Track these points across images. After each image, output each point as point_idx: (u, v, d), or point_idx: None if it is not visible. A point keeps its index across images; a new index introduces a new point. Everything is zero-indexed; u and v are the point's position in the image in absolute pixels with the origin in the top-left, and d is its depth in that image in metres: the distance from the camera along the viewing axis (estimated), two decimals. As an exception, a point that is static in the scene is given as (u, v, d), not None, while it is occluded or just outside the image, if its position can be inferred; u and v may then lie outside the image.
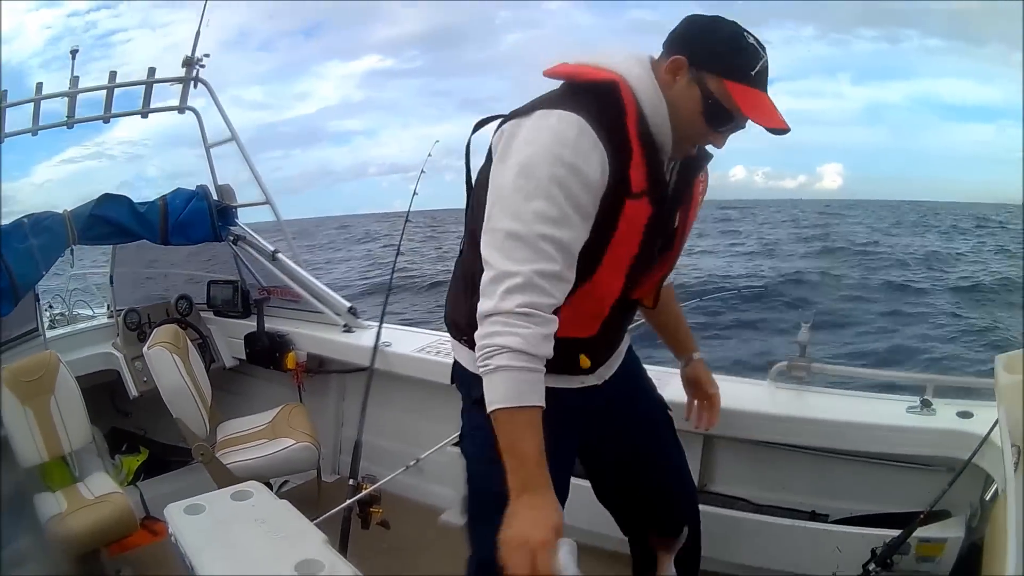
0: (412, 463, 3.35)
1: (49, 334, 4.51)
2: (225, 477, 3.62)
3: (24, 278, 3.79)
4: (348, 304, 4.59)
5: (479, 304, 1.76)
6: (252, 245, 4.77)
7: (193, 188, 4.70)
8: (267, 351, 4.61)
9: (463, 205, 2.10)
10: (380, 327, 4.11)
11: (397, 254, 4.44)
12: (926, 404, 2.93)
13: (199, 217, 4.58)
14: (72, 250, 4.13)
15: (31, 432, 3.56)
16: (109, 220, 4.21)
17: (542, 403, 1.76)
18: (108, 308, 5.10)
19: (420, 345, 4.17)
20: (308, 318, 4.73)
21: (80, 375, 3.89)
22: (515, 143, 1.80)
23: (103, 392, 4.95)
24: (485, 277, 1.77)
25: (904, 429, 2.85)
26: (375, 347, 3.98)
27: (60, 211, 4.06)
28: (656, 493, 2.42)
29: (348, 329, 4.54)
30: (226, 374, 4.90)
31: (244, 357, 4.80)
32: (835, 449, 2.99)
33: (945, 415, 2.90)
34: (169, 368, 3.72)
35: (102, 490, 3.55)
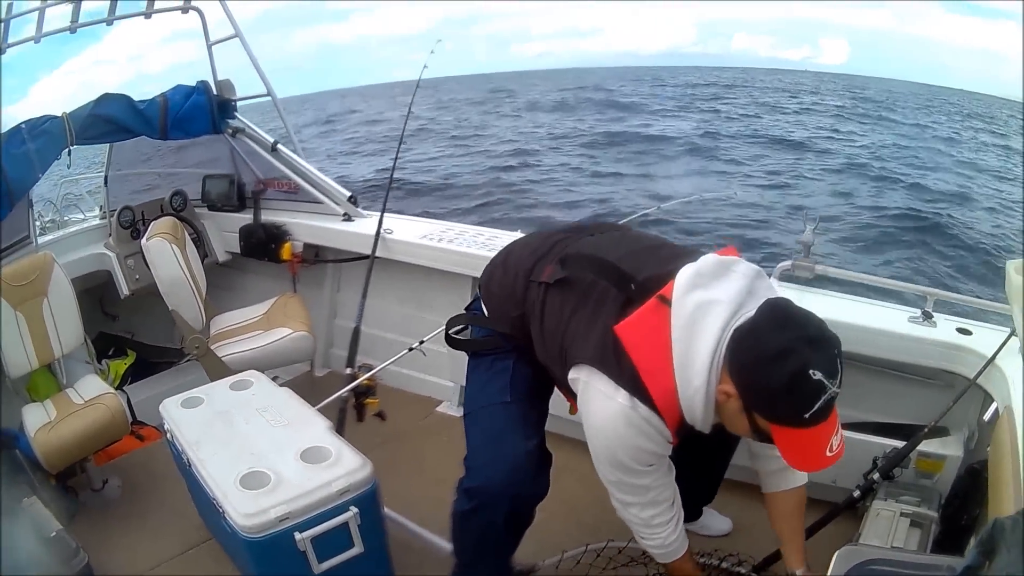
0: (416, 345, 3.31)
1: (40, 240, 4.40)
2: (220, 370, 3.57)
3: (20, 183, 3.70)
4: (348, 193, 4.50)
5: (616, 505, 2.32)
6: (252, 137, 4.66)
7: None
8: (262, 243, 4.56)
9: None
10: (383, 212, 4.06)
11: (400, 143, 4.37)
12: (927, 316, 2.99)
13: (199, 112, 4.49)
14: (69, 151, 4.01)
15: (21, 339, 3.50)
16: (108, 118, 4.11)
17: (683, 552, 2.38)
18: (101, 209, 4.99)
19: (422, 232, 4.11)
20: (306, 208, 4.64)
21: (72, 278, 3.81)
22: (590, 419, 2.13)
23: (91, 297, 4.89)
24: (614, 500, 2.30)
25: (907, 337, 2.88)
26: (378, 232, 3.93)
27: (58, 114, 3.93)
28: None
29: (348, 218, 4.46)
30: (219, 269, 4.81)
31: (238, 251, 4.72)
32: None
33: (945, 329, 2.92)
34: (168, 259, 3.68)
35: (93, 393, 3.50)
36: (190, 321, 3.77)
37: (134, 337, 5.35)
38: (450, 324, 2.62)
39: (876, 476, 2.72)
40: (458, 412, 4.10)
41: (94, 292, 4.87)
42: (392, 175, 4.24)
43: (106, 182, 4.91)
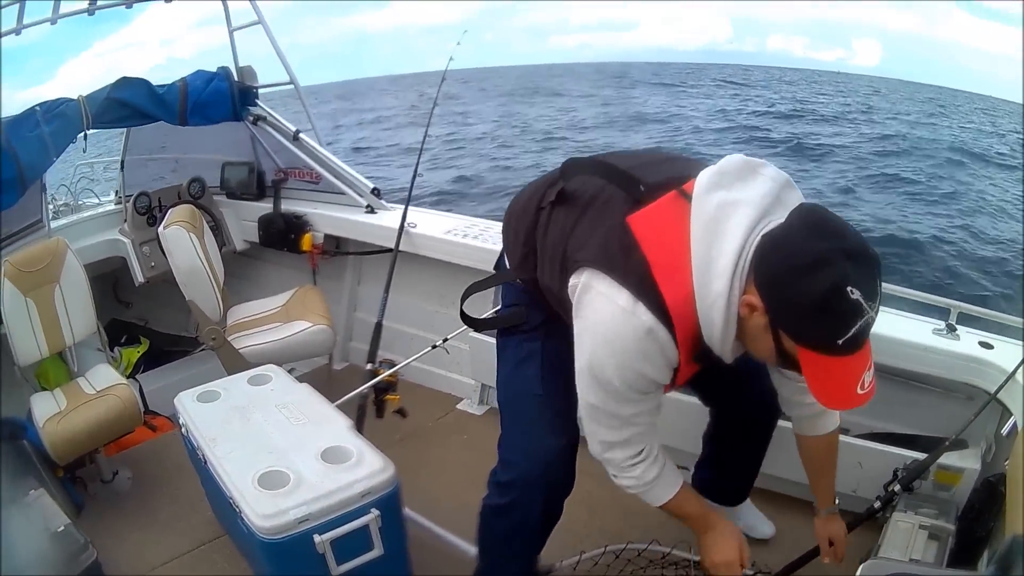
0: (439, 342, 3.24)
1: (53, 224, 4.34)
2: (236, 362, 3.50)
3: (32, 168, 3.65)
4: (372, 185, 4.42)
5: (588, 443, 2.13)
6: (273, 125, 4.61)
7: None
8: (282, 233, 4.49)
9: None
10: (407, 205, 3.95)
11: (425, 135, 4.21)
12: (951, 328, 2.94)
13: (219, 97, 4.46)
14: (86, 135, 3.95)
15: (32, 326, 3.41)
16: (126, 103, 4.06)
17: (677, 486, 2.20)
18: (116, 194, 4.92)
19: (446, 227, 4.04)
20: (328, 200, 4.57)
21: (84, 264, 3.73)
22: (581, 323, 1.91)
23: (105, 283, 4.84)
24: (587, 427, 2.10)
25: (931, 349, 2.86)
26: (401, 225, 3.83)
27: (75, 96, 3.88)
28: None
29: (371, 210, 4.39)
30: (237, 258, 4.77)
31: (257, 240, 4.66)
32: None
33: (968, 342, 2.89)
34: (186, 247, 3.61)
35: (105, 383, 3.41)
36: (207, 312, 3.69)
37: (148, 325, 5.30)
38: (468, 292, 2.44)
39: (897, 488, 2.67)
40: (479, 410, 4.08)
41: (107, 278, 4.83)
42: (416, 168, 4.08)
43: (122, 167, 4.85)
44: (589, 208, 1.95)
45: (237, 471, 2.35)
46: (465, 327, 2.90)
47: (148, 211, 4.54)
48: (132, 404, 3.23)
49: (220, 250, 4.34)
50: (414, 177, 4.04)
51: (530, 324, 2.28)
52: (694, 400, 2.80)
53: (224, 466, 2.39)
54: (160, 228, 3.72)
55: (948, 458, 2.80)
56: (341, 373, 4.43)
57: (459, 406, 4.11)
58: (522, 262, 2.19)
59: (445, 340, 3.28)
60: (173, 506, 3.22)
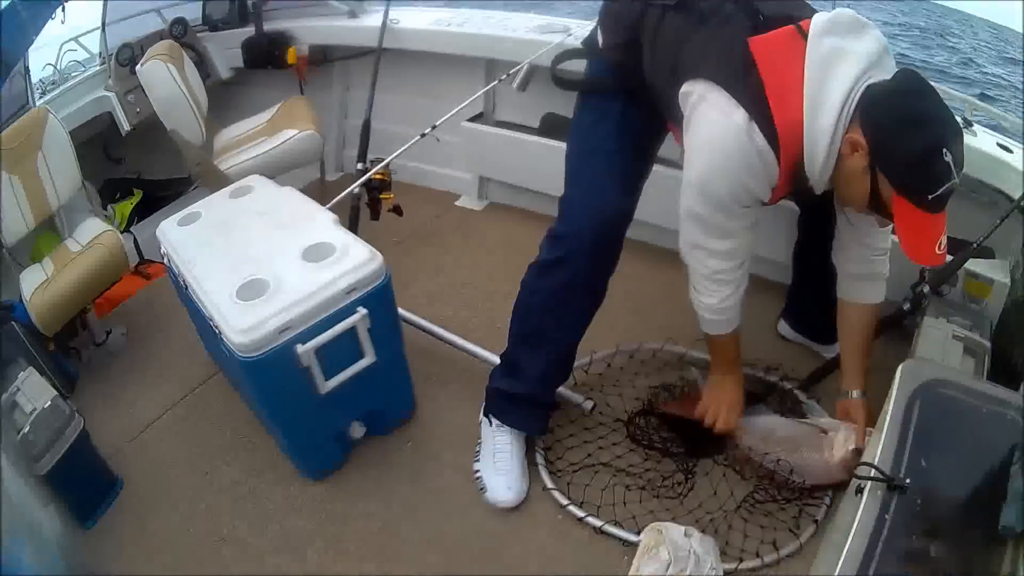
0: (428, 130, 3.06)
1: (40, 102, 4.04)
2: (223, 184, 3.21)
3: (12, 52, 3.32)
4: None
5: (681, 245, 2.17)
6: None
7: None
8: (265, 51, 4.28)
9: None
10: (388, 1, 3.79)
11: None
12: (967, 123, 2.85)
13: None
14: (63, 7, 3.64)
15: (17, 202, 3.17)
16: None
17: (737, 323, 2.29)
18: (100, 55, 4.64)
19: (430, 20, 3.98)
20: (310, 12, 4.33)
21: (73, 128, 3.55)
22: (695, 136, 1.93)
23: (95, 144, 4.65)
24: (686, 238, 2.13)
25: None
26: (384, 22, 3.69)
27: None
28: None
29: (353, 15, 4.17)
30: (224, 89, 4.56)
31: (242, 65, 4.44)
32: None
33: (985, 140, 2.79)
34: (163, 77, 3.42)
35: (91, 235, 3.18)
36: (190, 139, 3.49)
37: (140, 176, 5.12)
38: (558, 59, 2.44)
39: (926, 289, 2.59)
40: (478, 205, 4.01)
41: (97, 140, 4.63)
42: None
43: (103, 28, 4.54)
44: (708, 20, 1.97)
45: (216, 288, 2.11)
46: (453, 113, 3.07)
47: (131, 61, 4.27)
48: (117, 249, 2.99)
49: (205, 82, 4.14)
50: None
51: (614, 88, 2.26)
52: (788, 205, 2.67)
53: (203, 286, 2.15)
54: (138, 68, 3.53)
55: (977, 266, 2.70)
56: (336, 184, 4.26)
57: (458, 203, 4.04)
58: (620, 48, 2.20)
59: (434, 127, 3.10)
60: (166, 352, 3.05)
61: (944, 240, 1.78)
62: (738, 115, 1.81)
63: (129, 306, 3.40)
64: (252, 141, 3.71)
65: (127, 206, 4.60)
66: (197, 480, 2.45)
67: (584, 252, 2.19)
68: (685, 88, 1.93)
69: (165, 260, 2.47)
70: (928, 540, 1.59)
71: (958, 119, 1.83)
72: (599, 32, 2.32)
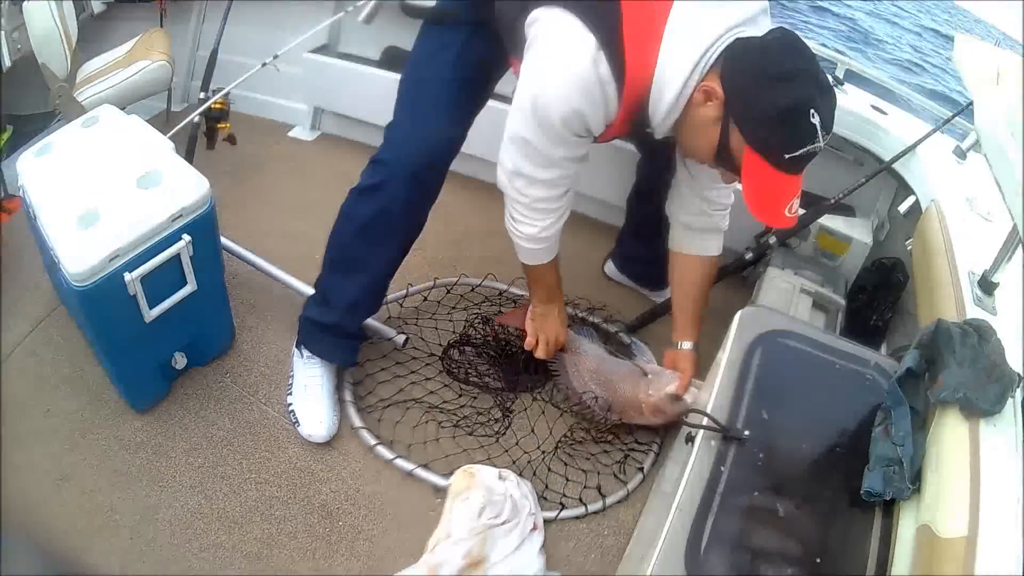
0: (268, 60, 3.16)
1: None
2: (79, 114, 3.33)
3: None
4: None
5: (500, 170, 2.12)
6: None
7: None
8: None
9: None
10: None
11: None
12: (838, 81, 2.91)
13: None
14: None
15: None
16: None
17: (554, 255, 2.31)
18: None
19: None
20: None
21: None
22: (535, 57, 1.87)
23: None
24: (506, 163, 2.07)
25: None
26: None
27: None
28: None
29: None
30: (95, 23, 4.49)
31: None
32: None
33: (857, 99, 2.77)
34: (43, 12, 3.48)
35: None
36: (56, 71, 3.55)
37: (13, 112, 5.10)
38: None
39: (772, 239, 2.61)
40: (310, 135, 4.07)
41: None
42: None
43: None
44: None
45: (58, 219, 2.16)
46: (294, 44, 3.16)
47: None
48: None
49: (80, 16, 4.12)
50: None
51: (461, 20, 2.19)
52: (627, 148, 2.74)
53: (47, 217, 2.21)
54: (24, 3, 3.57)
55: (833, 222, 2.75)
56: (180, 114, 4.19)
57: (290, 134, 4.09)
58: None
59: (275, 57, 3.18)
60: (15, 287, 2.98)
61: (796, 203, 1.76)
62: (587, 40, 1.74)
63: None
64: (109, 72, 3.76)
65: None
66: (39, 418, 2.46)
67: (404, 179, 2.19)
68: (534, 14, 1.85)
69: (20, 192, 2.55)
70: (775, 497, 1.55)
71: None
72: None
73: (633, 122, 1.92)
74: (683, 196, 2.31)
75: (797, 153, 1.63)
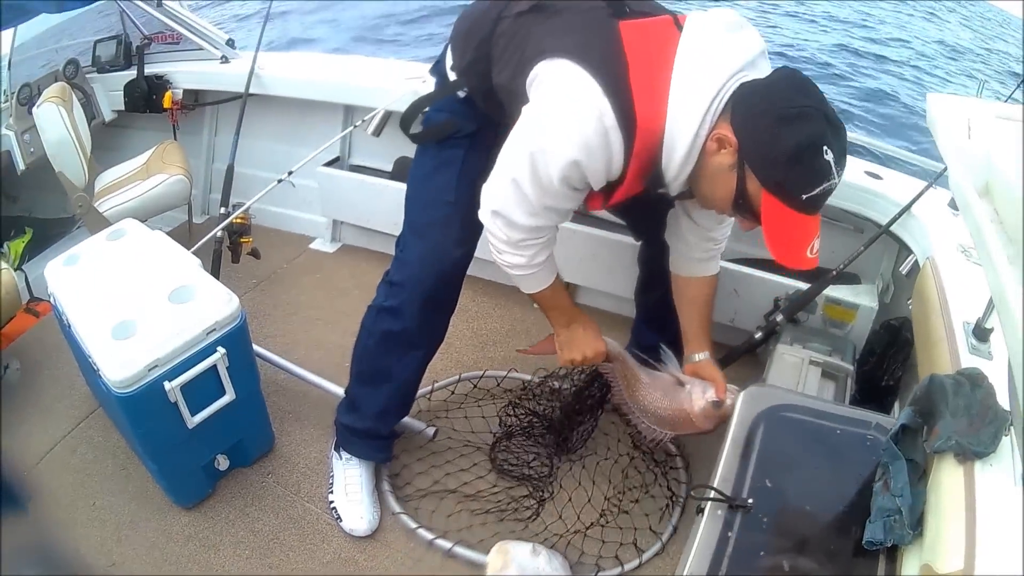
0: (284, 176, 3.18)
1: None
2: (102, 226, 3.44)
3: None
4: (227, 37, 4.32)
5: (484, 204, 1.98)
6: None
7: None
8: (145, 95, 4.38)
9: None
10: (257, 49, 3.92)
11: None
12: None
13: None
14: None
15: None
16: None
17: (555, 274, 2.20)
18: (3, 93, 4.77)
19: (296, 66, 4.14)
20: (187, 57, 4.45)
21: None
22: (536, 102, 1.81)
23: None
24: (491, 201, 1.96)
25: None
26: (251, 69, 3.82)
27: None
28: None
29: (225, 60, 4.28)
30: (107, 131, 4.66)
31: (123, 108, 4.54)
32: None
33: (853, 170, 2.73)
34: (55, 121, 3.60)
35: None
36: (75, 180, 3.67)
37: (32, 215, 5.19)
38: (414, 107, 2.34)
39: (779, 318, 2.60)
40: (331, 248, 4.15)
41: None
42: (268, 11, 4.13)
43: (9, 66, 4.63)
44: (566, 12, 1.86)
45: (93, 329, 2.30)
46: (308, 159, 3.14)
47: (30, 101, 4.35)
48: (12, 288, 3.15)
49: (90, 123, 4.26)
50: (265, 20, 4.05)
51: (460, 133, 2.23)
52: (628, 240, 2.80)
53: (82, 326, 2.35)
54: (34, 109, 3.71)
55: (839, 292, 2.74)
56: (202, 226, 4.38)
57: (311, 246, 4.18)
58: (469, 68, 2.10)
59: (290, 173, 3.22)
60: (54, 388, 3.16)
61: (817, 244, 1.71)
62: (592, 88, 1.69)
63: (23, 342, 3.52)
64: (128, 184, 3.89)
65: (20, 244, 4.65)
66: (86, 510, 2.59)
67: (419, 303, 2.28)
68: (535, 71, 1.80)
69: (51, 300, 2.66)
70: (780, 556, 1.60)
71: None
72: (448, 54, 2.21)
73: (646, 178, 1.86)
74: (685, 239, 2.30)
75: (814, 192, 1.60)
